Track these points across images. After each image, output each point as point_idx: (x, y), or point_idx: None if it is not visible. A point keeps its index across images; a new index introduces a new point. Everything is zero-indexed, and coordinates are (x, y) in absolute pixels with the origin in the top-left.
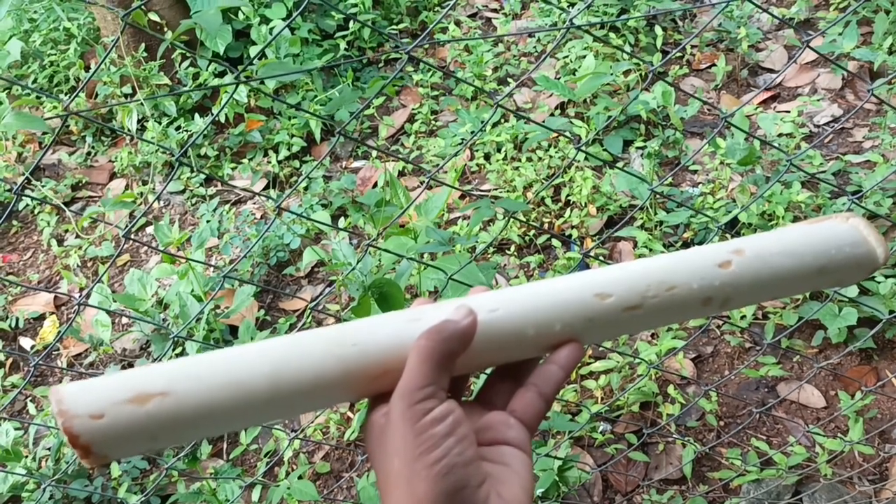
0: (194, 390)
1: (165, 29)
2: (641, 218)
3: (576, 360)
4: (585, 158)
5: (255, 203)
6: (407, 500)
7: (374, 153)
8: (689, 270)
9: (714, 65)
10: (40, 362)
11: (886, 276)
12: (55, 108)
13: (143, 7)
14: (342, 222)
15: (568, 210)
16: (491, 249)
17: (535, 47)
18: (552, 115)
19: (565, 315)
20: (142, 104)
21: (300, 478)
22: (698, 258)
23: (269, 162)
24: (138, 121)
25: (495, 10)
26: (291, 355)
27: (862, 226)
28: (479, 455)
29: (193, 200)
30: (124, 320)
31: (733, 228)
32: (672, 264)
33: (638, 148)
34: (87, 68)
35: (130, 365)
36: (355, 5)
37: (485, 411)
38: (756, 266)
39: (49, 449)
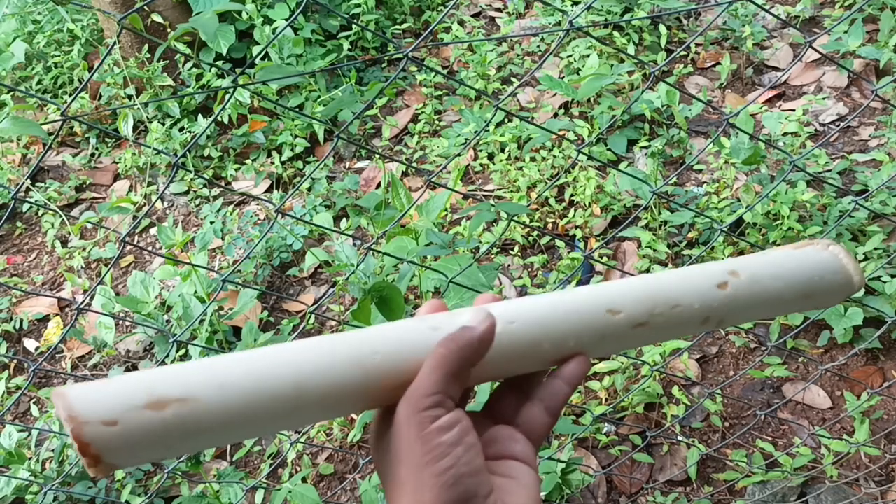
0: (216, 397)
1: (168, 30)
2: (646, 218)
3: (582, 375)
4: (589, 158)
5: (258, 204)
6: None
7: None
8: (691, 289)
9: (719, 63)
10: (41, 366)
11: (893, 276)
12: (58, 110)
13: (145, 8)
14: (345, 223)
15: (572, 210)
16: (494, 250)
17: (538, 46)
18: (556, 114)
19: (579, 330)
20: (139, 109)
21: (304, 480)
22: (699, 278)
23: (272, 163)
24: (142, 121)
25: (499, 10)
26: (315, 362)
27: (842, 255)
28: (486, 467)
29: (197, 201)
30: (128, 321)
31: (738, 228)
32: (676, 283)
33: (642, 147)
34: (91, 69)
35: (134, 367)
36: (358, 5)
37: (490, 424)
38: (750, 289)
39: (52, 451)
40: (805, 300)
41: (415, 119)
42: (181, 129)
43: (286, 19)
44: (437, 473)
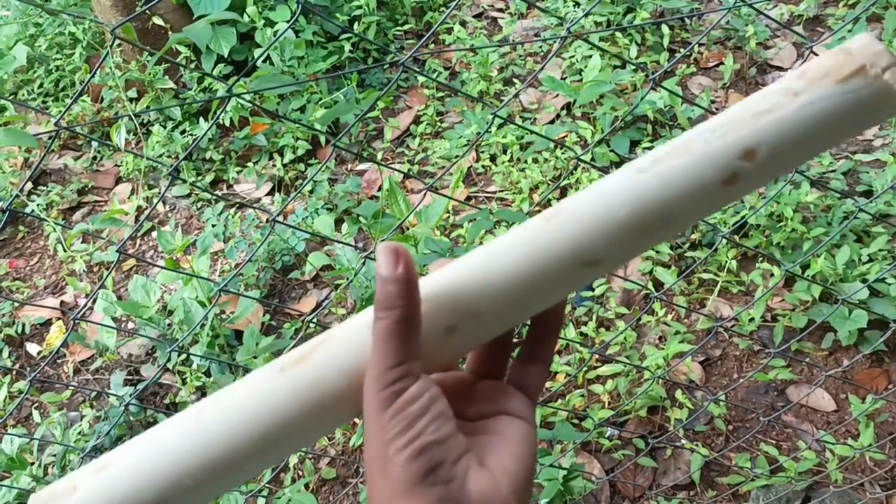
0: (185, 493)
1: (170, 32)
2: None
3: (563, 314)
4: (589, 162)
5: (259, 207)
6: (383, 487)
7: (379, 156)
8: (688, 201)
9: (722, 63)
10: (42, 371)
11: None
12: (58, 113)
13: (146, 11)
14: (347, 227)
15: None
16: None
17: (540, 47)
18: (558, 115)
19: (552, 299)
20: (131, 119)
21: (306, 486)
22: (697, 178)
23: (274, 165)
24: (143, 125)
25: (501, 10)
26: (271, 418)
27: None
28: (473, 429)
29: (199, 204)
30: (130, 325)
31: (741, 230)
32: (665, 195)
33: (645, 148)
34: (92, 72)
35: (136, 371)
36: (360, 7)
37: (478, 381)
38: (770, 168)
39: (54, 456)
40: (837, 139)
41: (417, 120)
42: (183, 133)
43: (287, 21)
44: (401, 447)
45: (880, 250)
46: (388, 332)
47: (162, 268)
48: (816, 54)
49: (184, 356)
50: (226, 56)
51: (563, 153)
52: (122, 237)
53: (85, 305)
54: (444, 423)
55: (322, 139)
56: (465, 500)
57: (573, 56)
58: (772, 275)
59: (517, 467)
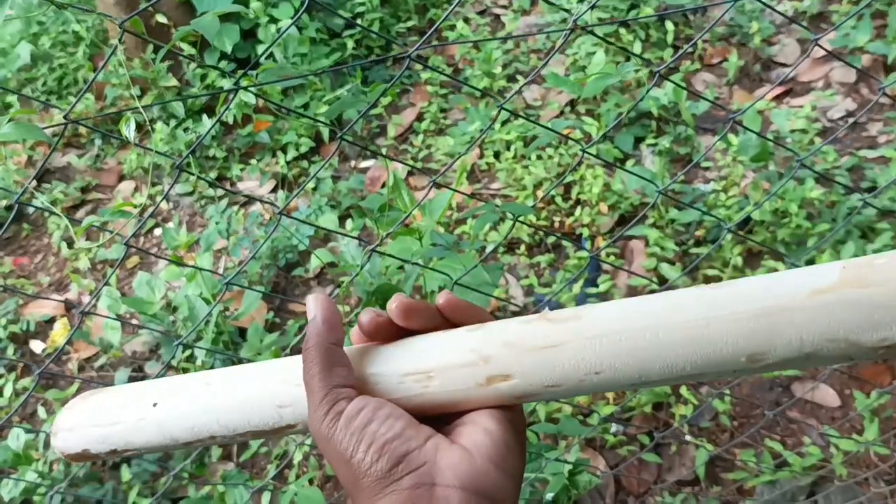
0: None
1: (173, 30)
2: (653, 216)
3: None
4: (595, 157)
5: (263, 204)
6: (363, 498)
7: (383, 153)
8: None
9: (726, 59)
10: (46, 370)
11: None
12: (62, 112)
13: (149, 9)
14: (350, 223)
15: (578, 208)
16: (501, 249)
17: (544, 44)
18: (562, 112)
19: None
20: (140, 112)
21: (310, 482)
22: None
23: (277, 162)
24: (148, 122)
25: (504, 7)
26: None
27: None
28: (458, 427)
29: (202, 202)
30: (135, 322)
31: (746, 226)
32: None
33: (649, 145)
34: (95, 70)
35: (140, 368)
36: (362, 3)
37: None
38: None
39: None
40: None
41: (420, 117)
42: (186, 130)
43: (291, 18)
44: (362, 456)
45: (885, 246)
46: (311, 368)
47: (167, 260)
48: (822, 48)
49: (188, 353)
50: (229, 52)
51: (567, 149)
52: (126, 234)
53: (90, 301)
54: (395, 421)
55: (325, 136)
56: (437, 475)
57: (577, 53)
58: (777, 270)
59: (489, 439)
